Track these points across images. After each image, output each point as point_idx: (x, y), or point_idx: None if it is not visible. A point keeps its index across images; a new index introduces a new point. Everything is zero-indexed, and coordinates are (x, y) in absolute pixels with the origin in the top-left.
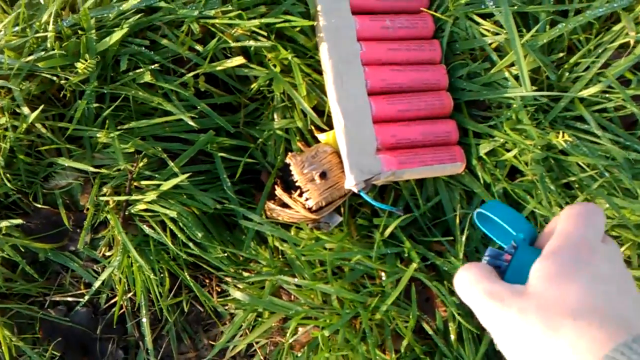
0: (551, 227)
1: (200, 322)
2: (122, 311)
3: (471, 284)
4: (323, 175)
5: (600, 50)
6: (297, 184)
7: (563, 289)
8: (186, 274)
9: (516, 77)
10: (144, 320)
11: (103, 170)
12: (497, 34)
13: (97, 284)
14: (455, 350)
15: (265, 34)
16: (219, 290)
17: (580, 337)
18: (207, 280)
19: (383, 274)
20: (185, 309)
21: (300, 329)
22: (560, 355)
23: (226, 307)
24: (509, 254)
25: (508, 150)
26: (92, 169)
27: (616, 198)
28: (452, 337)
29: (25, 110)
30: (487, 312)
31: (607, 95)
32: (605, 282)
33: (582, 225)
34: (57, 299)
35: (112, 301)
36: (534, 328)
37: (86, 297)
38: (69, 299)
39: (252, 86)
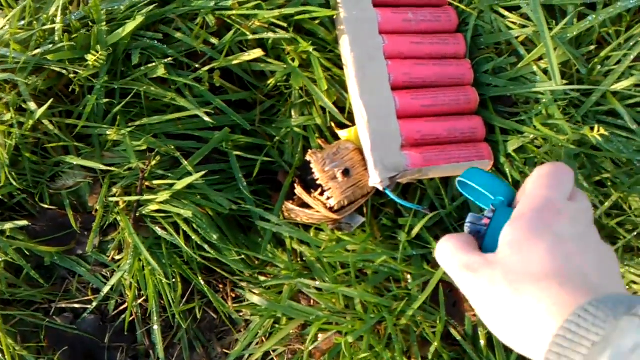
0: (524, 188)
1: (214, 330)
2: (131, 318)
3: (448, 255)
4: (346, 172)
5: (632, 43)
6: (317, 182)
7: (526, 254)
8: (200, 278)
9: (545, 71)
10: (155, 327)
11: (114, 169)
12: (524, 26)
13: (105, 289)
14: (485, 357)
15: (284, 25)
16: (234, 296)
17: (541, 300)
18: (220, 286)
19: (409, 276)
20: (198, 316)
21: (321, 336)
22: (526, 318)
23: (241, 314)
24: (487, 218)
25: (538, 147)
26: (102, 167)
27: None
28: (482, 342)
29: (32, 105)
30: (462, 282)
31: None
32: (567, 242)
33: (546, 187)
34: (63, 305)
35: (121, 308)
36: (502, 294)
37: (94, 304)
38: (76, 305)
39: (269, 82)
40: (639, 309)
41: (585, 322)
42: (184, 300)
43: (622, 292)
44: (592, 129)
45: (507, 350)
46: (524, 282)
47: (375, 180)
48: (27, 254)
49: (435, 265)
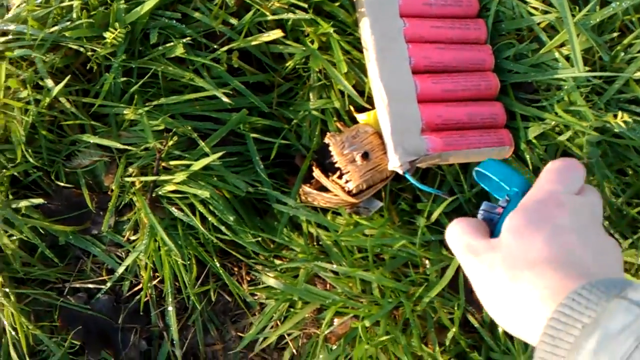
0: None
1: (228, 313)
2: (146, 299)
3: (456, 237)
4: (365, 155)
5: None
6: (336, 165)
7: (526, 241)
8: (215, 260)
9: (567, 58)
10: (170, 309)
11: (131, 148)
12: (546, 12)
13: (120, 269)
14: (502, 344)
15: (304, 6)
16: (249, 279)
17: (537, 285)
18: (235, 269)
19: (427, 262)
20: (213, 299)
21: (337, 320)
22: (522, 303)
23: (256, 297)
24: (501, 208)
25: (559, 134)
26: (119, 146)
27: None
28: (500, 330)
29: (49, 83)
30: (465, 264)
31: None
32: (566, 233)
33: (552, 181)
34: (77, 285)
35: (135, 289)
36: (500, 279)
37: (108, 284)
38: (90, 285)
39: (288, 64)
40: (629, 292)
41: (579, 305)
42: (199, 282)
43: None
44: (615, 116)
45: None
46: (521, 267)
47: (394, 163)
48: (42, 232)
49: None
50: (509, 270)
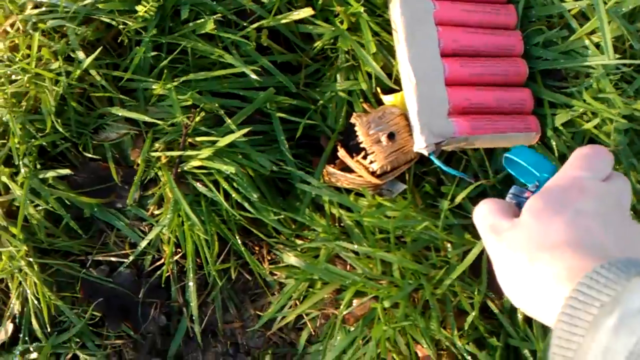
0: None
1: (247, 292)
2: (167, 275)
3: (481, 216)
4: (391, 136)
5: None
6: (361, 145)
7: (546, 223)
8: (237, 238)
9: (597, 46)
10: (191, 284)
11: (158, 122)
12: None
13: (143, 243)
14: (522, 331)
15: None
16: (269, 258)
17: (555, 266)
18: (256, 248)
19: (449, 245)
20: (233, 277)
21: (355, 302)
22: (540, 283)
23: (275, 277)
24: (530, 192)
25: (587, 121)
26: (147, 119)
27: None
28: (519, 316)
29: (80, 55)
30: (487, 243)
31: None
32: (588, 218)
33: (578, 166)
34: (100, 258)
35: (157, 264)
36: (519, 259)
37: (131, 258)
38: (112, 259)
39: (316, 44)
40: None
41: (597, 284)
42: (220, 260)
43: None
44: None
45: (545, 327)
46: (540, 248)
47: (420, 145)
48: (68, 204)
49: (476, 236)
50: (528, 250)
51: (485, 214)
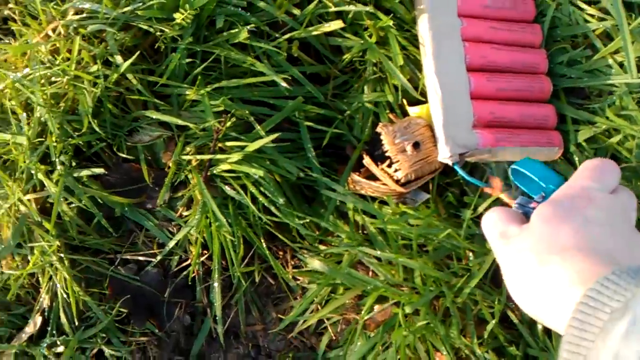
0: None
1: (270, 295)
2: (192, 275)
3: (490, 224)
4: (416, 145)
5: None
6: (386, 154)
7: (555, 229)
8: (262, 241)
9: (621, 65)
10: (216, 285)
11: (191, 125)
12: (602, 19)
13: (171, 243)
14: (541, 342)
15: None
16: (293, 263)
17: (566, 269)
18: (280, 253)
19: (471, 254)
20: (257, 280)
21: (377, 307)
22: (550, 288)
23: (298, 281)
24: (536, 203)
25: (609, 138)
26: (179, 122)
27: None
28: (539, 327)
29: (118, 59)
30: (496, 250)
31: None
32: (595, 226)
33: (587, 178)
34: (128, 257)
35: (184, 264)
36: (529, 263)
37: (158, 257)
38: (140, 258)
39: (345, 56)
40: None
41: (607, 290)
42: (244, 263)
43: None
44: None
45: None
46: (550, 252)
47: (445, 154)
48: (100, 203)
49: None
50: (538, 254)
51: (495, 221)
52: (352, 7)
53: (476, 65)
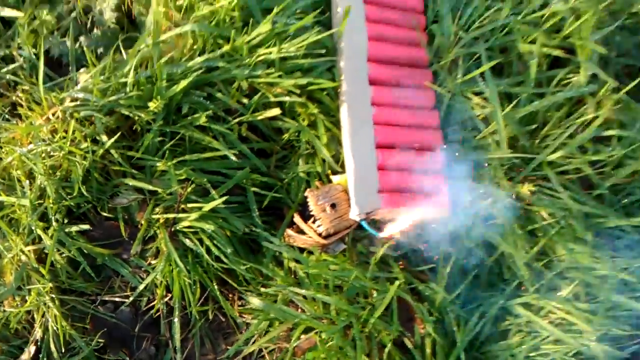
0: None
1: (221, 330)
2: (158, 314)
3: None
4: (333, 206)
5: (567, 125)
6: (311, 213)
7: None
8: (214, 285)
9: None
10: (176, 320)
11: (160, 190)
12: (484, 107)
13: (141, 287)
14: None
15: (298, 92)
16: (240, 303)
17: None
18: (230, 295)
19: (375, 292)
20: (210, 317)
21: (303, 337)
22: None
23: (243, 318)
24: None
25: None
26: (151, 188)
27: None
28: (428, 350)
29: (104, 138)
30: None
31: (569, 159)
32: None
33: None
34: (107, 298)
35: (151, 304)
36: None
37: (130, 299)
38: (116, 299)
39: (284, 136)
40: None
41: None
42: (200, 303)
43: None
44: (523, 185)
45: (447, 358)
46: None
47: (354, 213)
48: (85, 253)
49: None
50: None
51: None
52: (287, 98)
53: (383, 143)
